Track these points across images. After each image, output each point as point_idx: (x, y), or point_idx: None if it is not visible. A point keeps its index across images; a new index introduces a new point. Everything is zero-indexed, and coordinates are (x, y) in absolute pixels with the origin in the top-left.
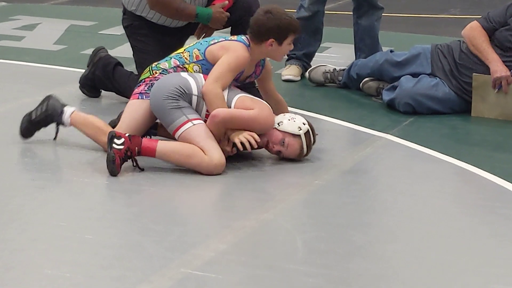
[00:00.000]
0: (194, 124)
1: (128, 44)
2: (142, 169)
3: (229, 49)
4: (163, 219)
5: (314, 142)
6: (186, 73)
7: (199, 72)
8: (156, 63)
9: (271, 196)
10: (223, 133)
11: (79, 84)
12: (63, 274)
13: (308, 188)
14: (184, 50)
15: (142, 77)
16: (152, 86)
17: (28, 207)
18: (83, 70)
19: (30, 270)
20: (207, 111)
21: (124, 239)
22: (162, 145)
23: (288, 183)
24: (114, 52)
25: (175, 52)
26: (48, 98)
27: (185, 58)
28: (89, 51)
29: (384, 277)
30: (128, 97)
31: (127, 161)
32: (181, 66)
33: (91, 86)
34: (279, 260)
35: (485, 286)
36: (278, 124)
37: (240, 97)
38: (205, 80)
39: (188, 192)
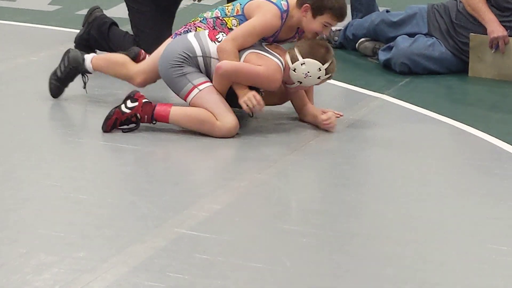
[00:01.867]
0: (201, 90)
1: (124, 4)
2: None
3: (262, 10)
4: (157, 179)
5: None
6: (192, 34)
7: (236, 26)
8: (203, 13)
9: (265, 156)
10: (227, 87)
11: (74, 44)
12: (57, 234)
13: (303, 149)
14: (231, 3)
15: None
16: (189, 30)
17: (21, 167)
18: (78, 30)
19: (24, 229)
20: None
21: (118, 199)
22: (176, 111)
23: (282, 144)
24: (109, 12)
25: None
26: (67, 52)
27: (228, 10)
28: (84, 11)
29: (378, 237)
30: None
31: (127, 125)
32: (220, 18)
33: (86, 46)
34: (273, 220)
35: (480, 246)
36: (298, 82)
37: (250, 53)
38: (210, 39)
39: (182, 153)
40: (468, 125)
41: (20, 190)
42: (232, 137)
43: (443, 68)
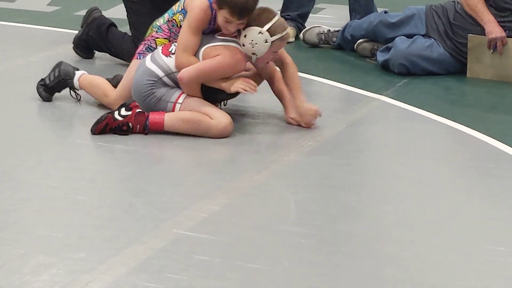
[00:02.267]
0: (181, 103)
1: (122, 5)
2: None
3: (193, 4)
4: (155, 180)
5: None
6: (148, 59)
7: (182, 20)
8: (156, 20)
9: (263, 157)
10: (199, 90)
11: (72, 45)
12: (55, 235)
13: (301, 150)
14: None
15: (146, 35)
16: (149, 47)
17: (21, 168)
18: (77, 31)
19: (23, 230)
20: None
21: (117, 200)
22: (170, 117)
23: (281, 145)
24: (108, 13)
25: None
26: (59, 64)
27: (174, 8)
28: (83, 12)
29: (376, 238)
30: (121, 58)
31: (117, 133)
32: (170, 19)
33: (85, 46)
34: (271, 221)
35: (478, 246)
36: (252, 54)
37: (205, 49)
38: (165, 55)
39: (180, 154)
40: (466, 126)
41: (19, 191)
42: (228, 136)
43: (441, 69)
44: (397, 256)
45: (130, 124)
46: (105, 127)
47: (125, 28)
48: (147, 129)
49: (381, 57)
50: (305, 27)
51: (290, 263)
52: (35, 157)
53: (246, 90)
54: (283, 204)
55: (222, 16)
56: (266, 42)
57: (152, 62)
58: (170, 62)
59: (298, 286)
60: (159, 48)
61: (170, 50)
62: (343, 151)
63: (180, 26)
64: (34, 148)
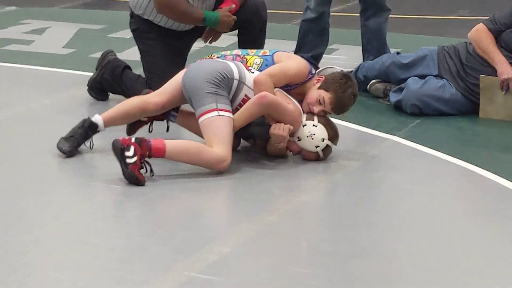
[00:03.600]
0: (220, 115)
1: (136, 47)
2: (152, 174)
3: (295, 58)
4: (167, 221)
5: (335, 140)
6: (229, 60)
7: (259, 64)
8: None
9: (275, 197)
10: (255, 118)
11: (87, 87)
12: (66, 277)
13: (314, 190)
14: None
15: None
16: None
17: (32, 209)
18: (92, 74)
19: (34, 272)
20: (244, 98)
21: (128, 242)
22: (171, 145)
23: (294, 185)
24: (122, 55)
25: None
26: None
27: (251, 51)
28: (98, 55)
29: (387, 278)
30: None
31: (143, 167)
32: (241, 56)
33: (100, 89)
34: (283, 262)
35: (490, 286)
36: (297, 138)
37: (277, 90)
38: (246, 68)
39: (192, 195)
40: (478, 166)
41: (29, 233)
42: (223, 172)
43: (453, 110)
44: None
45: (142, 155)
46: (139, 172)
47: (139, 71)
48: (150, 155)
49: (393, 97)
50: (319, 68)
51: None
52: (46, 199)
53: (280, 144)
54: (295, 245)
55: (319, 95)
56: (316, 147)
57: (234, 64)
58: (249, 75)
59: None
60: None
61: (250, 68)
62: (355, 191)
63: (251, 67)
64: (46, 190)
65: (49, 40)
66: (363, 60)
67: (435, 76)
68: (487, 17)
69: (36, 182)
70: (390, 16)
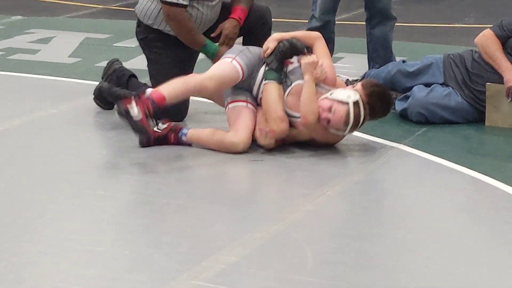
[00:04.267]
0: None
1: (142, 56)
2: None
3: None
4: (173, 231)
5: (364, 118)
6: None
7: None
8: None
9: (281, 207)
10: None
11: (93, 96)
12: (73, 287)
13: (319, 199)
14: None
15: None
16: None
17: (39, 220)
18: (97, 82)
19: (41, 283)
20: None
21: (135, 252)
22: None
23: (300, 194)
24: (128, 64)
25: None
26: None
27: None
28: (104, 64)
29: None
30: None
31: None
32: None
33: (105, 97)
34: (289, 272)
35: None
36: (330, 93)
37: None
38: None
39: (198, 204)
40: (485, 174)
41: (37, 243)
42: (241, 153)
43: (459, 118)
44: None
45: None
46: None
47: (145, 79)
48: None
49: (399, 106)
50: None
51: None
52: (53, 209)
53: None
54: (301, 255)
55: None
56: (349, 97)
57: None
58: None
59: None
60: None
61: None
62: (361, 201)
63: None
64: (53, 200)
65: (55, 50)
66: (369, 69)
67: (441, 84)
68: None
69: (42, 192)
70: (395, 24)
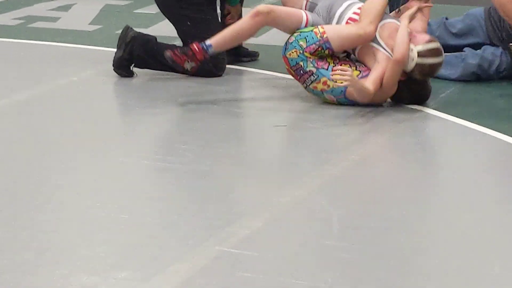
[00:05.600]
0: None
1: (165, 22)
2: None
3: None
4: (197, 197)
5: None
6: None
7: None
8: None
9: (306, 172)
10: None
11: (113, 67)
12: (97, 254)
13: (343, 164)
14: None
15: None
16: None
17: (62, 188)
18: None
19: (65, 251)
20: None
21: (159, 218)
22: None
23: (323, 159)
24: (149, 31)
25: None
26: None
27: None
28: None
29: (420, 251)
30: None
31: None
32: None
33: (127, 66)
34: (314, 236)
35: None
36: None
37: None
38: None
39: (222, 169)
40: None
41: (60, 211)
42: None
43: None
44: (443, 271)
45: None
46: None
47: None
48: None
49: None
50: None
51: (333, 279)
52: (77, 177)
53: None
54: (326, 219)
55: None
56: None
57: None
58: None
59: None
60: None
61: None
62: (385, 165)
63: None
64: (77, 168)
65: (75, 17)
66: None
67: (489, 44)
68: None
69: (66, 161)
70: None
